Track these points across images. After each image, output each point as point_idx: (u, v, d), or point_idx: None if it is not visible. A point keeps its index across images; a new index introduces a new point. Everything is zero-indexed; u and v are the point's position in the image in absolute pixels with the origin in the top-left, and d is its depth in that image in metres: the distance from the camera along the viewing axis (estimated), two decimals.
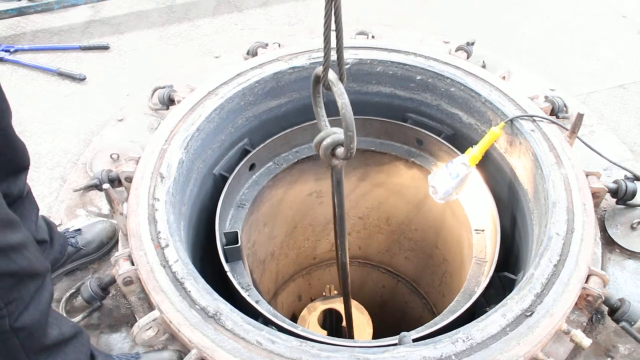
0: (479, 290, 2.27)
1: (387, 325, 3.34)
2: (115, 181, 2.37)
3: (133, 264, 1.99)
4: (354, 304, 3.01)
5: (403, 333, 1.95)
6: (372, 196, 3.35)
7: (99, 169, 2.46)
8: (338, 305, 3.05)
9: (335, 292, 3.23)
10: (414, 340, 1.88)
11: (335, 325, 3.14)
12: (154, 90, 2.85)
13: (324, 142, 1.60)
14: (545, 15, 3.78)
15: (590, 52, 3.43)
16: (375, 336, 3.10)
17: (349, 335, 2.73)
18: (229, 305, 1.87)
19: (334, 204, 1.88)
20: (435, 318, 2.23)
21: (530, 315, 1.81)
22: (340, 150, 1.61)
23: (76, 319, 2.03)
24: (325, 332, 3.00)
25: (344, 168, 1.76)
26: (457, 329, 1.80)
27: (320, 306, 3.11)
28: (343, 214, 1.87)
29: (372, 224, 3.60)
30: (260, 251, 3.18)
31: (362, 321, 3.04)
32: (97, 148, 2.71)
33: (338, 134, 1.60)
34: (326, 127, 1.66)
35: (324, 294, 3.22)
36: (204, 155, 2.56)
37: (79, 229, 2.27)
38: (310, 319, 3.04)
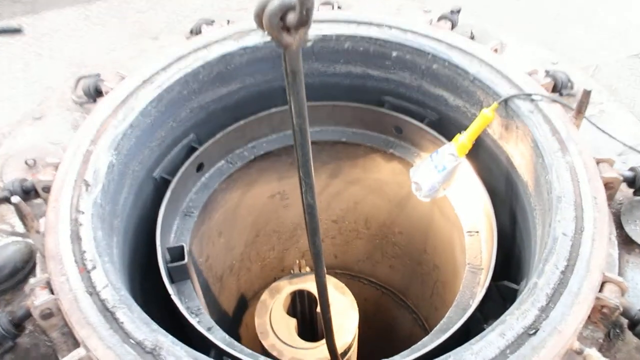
0: (473, 304, 2.25)
1: (372, 345, 3.33)
2: (31, 192, 2.28)
3: (53, 293, 1.92)
4: (333, 281, 2.85)
5: None
6: (347, 195, 3.34)
7: (10, 178, 2.36)
8: (311, 285, 2.81)
9: (308, 268, 2.98)
10: None
11: (309, 312, 2.97)
12: (78, 80, 2.75)
13: (269, 7, 1.26)
14: None
15: (597, 18, 3.39)
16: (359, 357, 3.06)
17: (325, 322, 2.27)
18: (170, 337, 1.81)
19: (291, 112, 1.55)
20: (424, 339, 2.21)
21: (534, 333, 1.77)
22: (292, 17, 1.27)
23: None
24: (294, 320, 2.78)
25: (301, 52, 1.40)
26: (448, 354, 1.76)
27: (286, 287, 2.86)
28: (305, 128, 1.57)
29: (349, 228, 3.59)
30: (217, 266, 3.14)
31: (344, 304, 2.82)
32: (9, 152, 2.59)
33: None
34: None
35: (292, 271, 2.97)
36: (140, 156, 2.51)
37: None
38: (274, 305, 2.79)
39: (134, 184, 2.50)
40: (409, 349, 2.11)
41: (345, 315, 2.79)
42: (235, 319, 3.51)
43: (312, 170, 1.66)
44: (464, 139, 2.50)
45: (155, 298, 2.36)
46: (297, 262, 3.04)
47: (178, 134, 2.72)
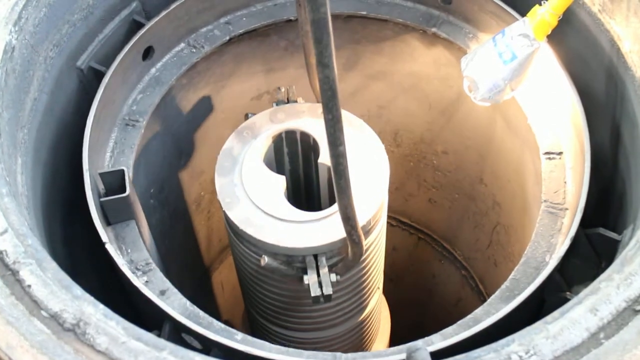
0: (552, 261, 2.24)
1: (403, 316, 3.39)
2: None
3: None
4: (347, 117, 2.54)
5: (414, 343, 1.90)
6: (368, 97, 3.35)
7: None
8: (308, 122, 2.61)
9: (301, 99, 2.72)
10: (434, 357, 1.80)
11: (304, 166, 2.83)
12: None
13: None
14: None
15: None
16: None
17: (336, 162, 1.89)
18: (101, 307, 1.79)
19: None
20: (476, 311, 2.23)
21: None
22: None
23: None
24: (282, 178, 2.56)
25: None
26: (511, 336, 1.73)
27: (267, 125, 2.63)
28: None
29: None
30: (176, 199, 3.18)
31: (364, 151, 2.56)
32: None
33: None
34: None
35: (277, 98, 2.73)
36: (55, 35, 2.51)
37: None
38: (246, 155, 2.56)
39: (49, 78, 2.50)
40: (455, 325, 2.14)
41: (366, 169, 2.54)
42: (204, 277, 3.58)
43: None
44: (545, 13, 2.46)
45: (82, 249, 2.40)
46: (283, 89, 2.79)
47: (113, 1, 2.73)
